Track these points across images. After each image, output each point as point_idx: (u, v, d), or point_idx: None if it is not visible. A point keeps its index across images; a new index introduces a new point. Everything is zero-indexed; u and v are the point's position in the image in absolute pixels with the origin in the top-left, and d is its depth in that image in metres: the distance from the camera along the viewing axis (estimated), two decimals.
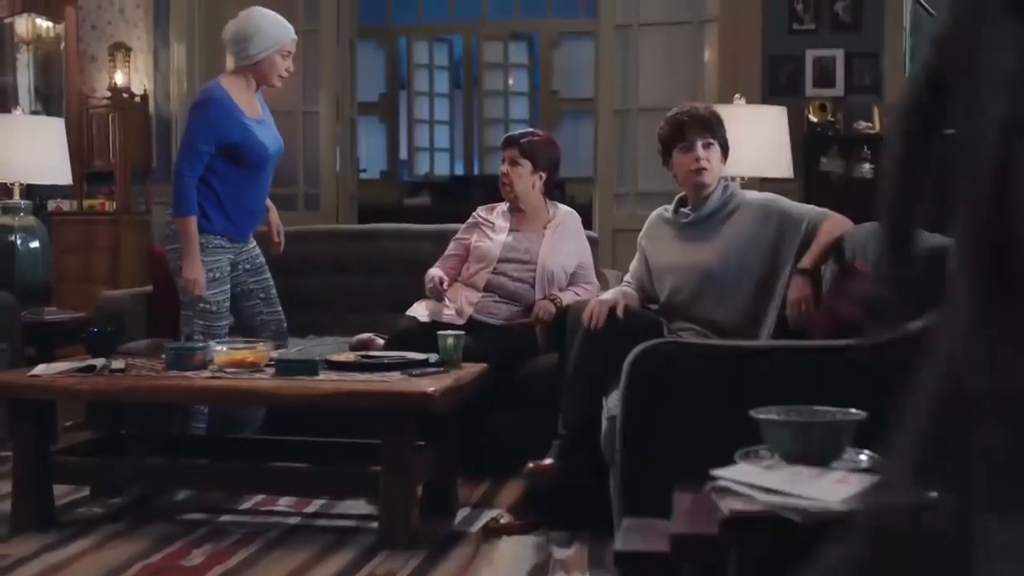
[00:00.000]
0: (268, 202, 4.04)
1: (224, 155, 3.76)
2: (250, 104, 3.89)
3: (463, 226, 4.26)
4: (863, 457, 1.98)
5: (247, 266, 3.99)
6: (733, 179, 4.86)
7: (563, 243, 4.10)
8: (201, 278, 3.73)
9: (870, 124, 5.52)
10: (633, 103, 6.19)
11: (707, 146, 3.35)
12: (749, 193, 3.48)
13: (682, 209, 3.47)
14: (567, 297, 3.93)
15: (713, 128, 3.37)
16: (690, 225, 3.41)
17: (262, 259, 4.05)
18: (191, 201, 3.71)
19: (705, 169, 3.35)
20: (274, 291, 4.06)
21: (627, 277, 3.59)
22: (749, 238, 3.31)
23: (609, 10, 6.21)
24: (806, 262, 3.19)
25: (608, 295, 3.38)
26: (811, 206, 3.40)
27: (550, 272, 4.02)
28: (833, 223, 3.25)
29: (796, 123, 5.38)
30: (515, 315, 3.97)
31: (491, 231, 4.13)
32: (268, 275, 4.06)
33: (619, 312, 3.19)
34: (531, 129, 4.43)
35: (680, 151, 3.37)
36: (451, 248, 4.21)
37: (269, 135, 3.95)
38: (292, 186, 6.76)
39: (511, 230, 4.12)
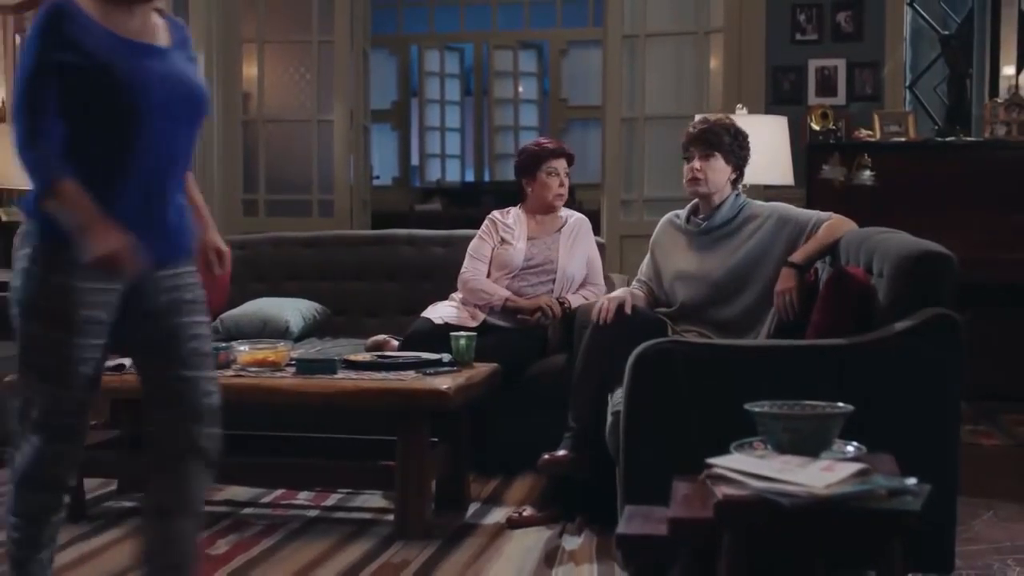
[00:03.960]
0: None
1: None
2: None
3: (483, 229, 4.28)
4: (850, 448, 2.12)
5: None
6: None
7: (578, 247, 4.21)
8: None
9: (871, 132, 5.65)
10: (640, 111, 6.32)
11: (705, 157, 3.49)
12: (761, 203, 3.58)
13: (694, 217, 3.60)
14: (575, 299, 4.07)
15: (712, 141, 3.50)
16: (701, 234, 3.54)
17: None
18: None
19: (698, 179, 3.50)
20: None
21: (638, 277, 3.72)
22: (764, 248, 3.43)
23: (616, 20, 6.35)
24: (796, 256, 3.32)
25: (617, 293, 3.52)
26: (819, 211, 3.50)
27: (571, 276, 4.14)
28: (833, 224, 3.36)
29: (798, 131, 5.52)
30: (527, 320, 4.08)
31: (511, 238, 4.20)
32: None
33: (627, 308, 3.33)
34: (550, 137, 4.54)
35: (685, 161, 3.54)
36: (480, 251, 4.21)
37: None
38: (307, 193, 6.92)
39: (528, 237, 4.21)
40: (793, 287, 3.27)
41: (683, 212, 3.65)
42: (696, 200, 3.61)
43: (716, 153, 3.49)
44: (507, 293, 4.08)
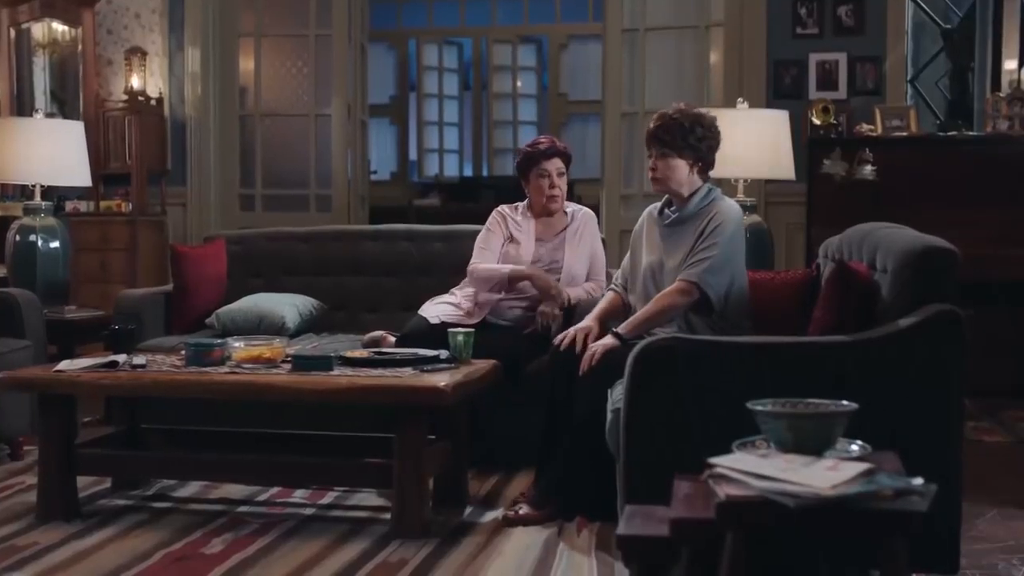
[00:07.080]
0: None
1: None
2: None
3: (492, 221, 4.19)
4: (854, 447, 2.08)
5: None
6: (736, 181, 4.98)
7: (583, 245, 4.15)
8: None
9: (872, 126, 5.61)
10: (640, 106, 6.29)
11: (661, 156, 3.45)
12: (725, 203, 3.47)
13: (667, 210, 3.57)
14: (576, 293, 4.03)
15: (664, 140, 3.45)
16: (668, 227, 3.51)
17: None
18: None
19: (655, 179, 3.47)
20: None
21: (615, 280, 3.70)
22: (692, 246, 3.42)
23: (616, 14, 6.32)
24: (623, 328, 3.36)
25: (585, 323, 3.52)
26: (712, 253, 3.33)
27: (575, 275, 4.09)
28: (667, 295, 3.35)
29: (799, 126, 5.49)
30: (527, 320, 4.03)
31: (520, 235, 4.14)
32: None
33: (591, 338, 3.42)
34: (546, 135, 4.47)
35: (648, 158, 3.52)
36: (488, 242, 4.14)
37: None
38: (304, 187, 6.88)
39: (536, 238, 4.14)
40: (606, 349, 3.31)
41: (660, 204, 3.62)
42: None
43: (670, 151, 3.44)
44: (508, 268, 4.04)
